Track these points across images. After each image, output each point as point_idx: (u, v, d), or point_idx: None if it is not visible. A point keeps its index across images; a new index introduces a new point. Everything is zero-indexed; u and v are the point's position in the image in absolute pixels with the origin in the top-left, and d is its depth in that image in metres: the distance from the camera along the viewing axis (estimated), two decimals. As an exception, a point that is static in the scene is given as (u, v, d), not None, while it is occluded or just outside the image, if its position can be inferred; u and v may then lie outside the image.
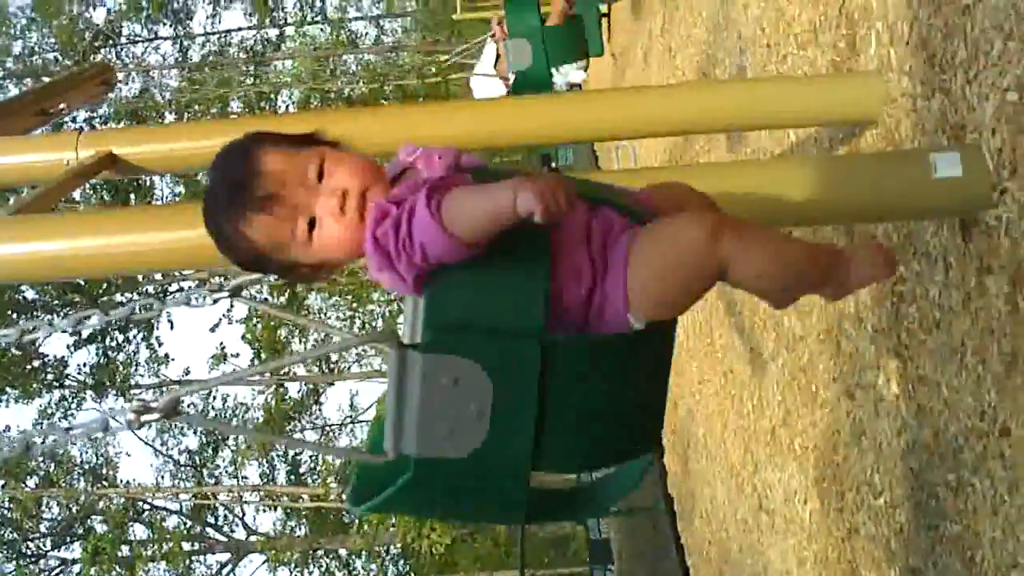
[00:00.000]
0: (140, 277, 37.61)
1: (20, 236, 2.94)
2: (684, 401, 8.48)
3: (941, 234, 3.19)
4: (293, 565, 39.37)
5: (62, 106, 4.33)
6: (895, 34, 3.53)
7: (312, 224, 1.98)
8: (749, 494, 6.16)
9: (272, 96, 39.56)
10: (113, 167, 3.73)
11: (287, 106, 40.64)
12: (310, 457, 41.47)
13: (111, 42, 43.08)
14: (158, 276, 38.51)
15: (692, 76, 8.03)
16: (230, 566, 39.08)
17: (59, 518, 36.80)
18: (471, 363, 1.84)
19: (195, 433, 40.22)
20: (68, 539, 36.90)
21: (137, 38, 44.48)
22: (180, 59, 44.01)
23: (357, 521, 36.84)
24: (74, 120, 29.03)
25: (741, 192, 2.95)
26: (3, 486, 35.27)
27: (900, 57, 3.48)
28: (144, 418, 1.86)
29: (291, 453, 40.99)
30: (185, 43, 44.92)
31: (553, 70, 9.84)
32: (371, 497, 1.99)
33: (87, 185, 30.52)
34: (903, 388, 3.52)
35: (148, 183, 35.71)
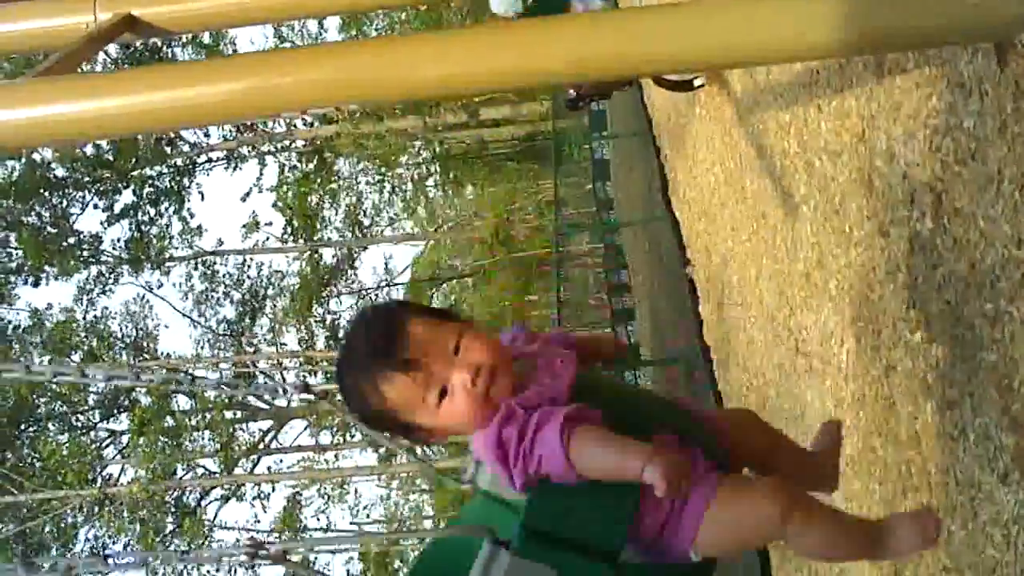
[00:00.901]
0: (169, 149, 37.62)
1: (43, 99, 2.92)
2: (717, 248, 8.48)
3: (976, 61, 3.12)
4: (335, 430, 40.14)
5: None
6: None
7: (443, 393, 2.17)
8: (785, 338, 6.19)
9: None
10: (132, 29, 3.68)
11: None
12: (348, 319, 41.88)
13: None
14: (186, 148, 38.52)
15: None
16: (272, 432, 39.90)
17: (105, 391, 37.47)
18: (551, 569, 2.07)
19: (232, 304, 40.70)
20: (116, 411, 37.66)
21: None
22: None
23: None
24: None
25: (767, 27, 2.88)
26: (50, 361, 35.91)
27: None
28: (256, 560, 2.15)
29: (329, 318, 41.40)
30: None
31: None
32: None
33: (108, 60, 30.30)
34: (938, 222, 3.50)
35: (170, 55, 35.36)
